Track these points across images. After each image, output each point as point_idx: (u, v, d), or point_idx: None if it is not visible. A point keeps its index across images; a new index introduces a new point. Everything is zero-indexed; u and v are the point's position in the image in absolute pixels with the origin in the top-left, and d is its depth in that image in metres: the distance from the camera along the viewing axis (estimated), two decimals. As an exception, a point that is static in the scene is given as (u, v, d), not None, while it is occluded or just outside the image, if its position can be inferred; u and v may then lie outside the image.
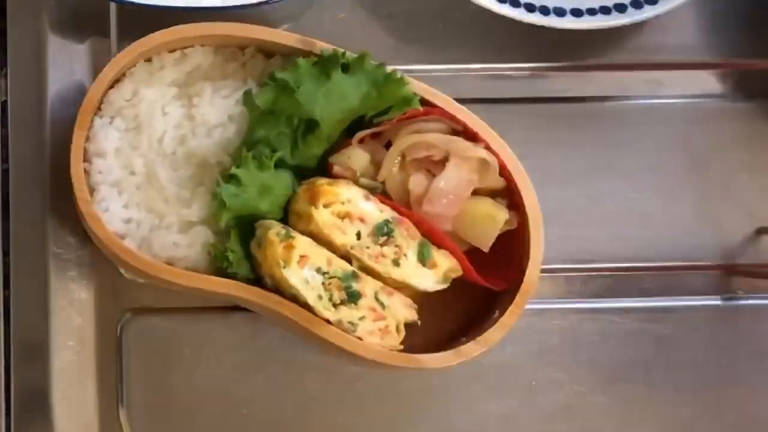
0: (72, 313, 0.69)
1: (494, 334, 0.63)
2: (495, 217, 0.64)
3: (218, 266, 0.63)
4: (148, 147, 0.65)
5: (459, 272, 0.64)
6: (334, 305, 0.61)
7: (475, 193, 0.65)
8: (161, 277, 0.63)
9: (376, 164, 0.65)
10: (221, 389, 0.70)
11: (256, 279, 0.63)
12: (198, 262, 0.64)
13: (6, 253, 0.69)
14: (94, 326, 0.70)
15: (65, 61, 0.71)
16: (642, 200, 0.73)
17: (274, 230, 0.61)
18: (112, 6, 0.71)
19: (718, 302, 0.73)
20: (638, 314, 0.72)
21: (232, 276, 0.63)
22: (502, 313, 0.64)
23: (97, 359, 0.70)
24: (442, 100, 0.65)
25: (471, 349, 0.63)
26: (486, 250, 0.64)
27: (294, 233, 0.61)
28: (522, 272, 0.65)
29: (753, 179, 0.74)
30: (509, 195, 0.66)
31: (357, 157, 0.64)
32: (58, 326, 0.69)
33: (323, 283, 0.61)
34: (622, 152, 0.74)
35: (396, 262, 0.63)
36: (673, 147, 0.74)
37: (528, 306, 0.71)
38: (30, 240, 0.69)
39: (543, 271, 0.70)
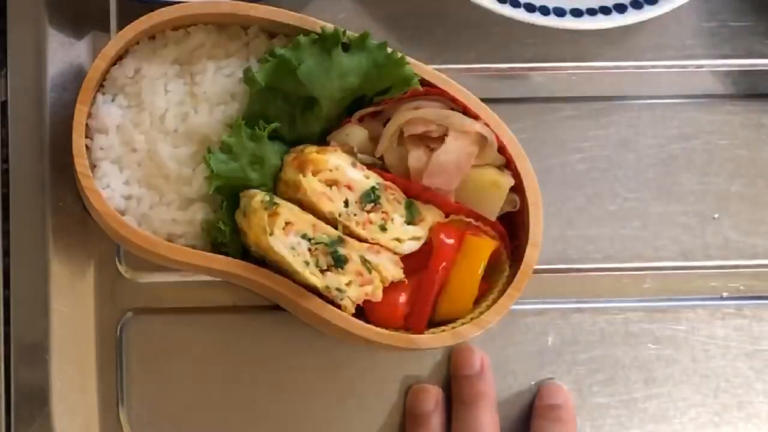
0: (72, 313, 0.69)
1: (491, 315, 0.63)
2: (500, 184, 0.65)
3: (212, 241, 0.64)
4: (149, 124, 0.66)
5: (443, 218, 0.64)
6: (321, 271, 0.61)
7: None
8: (160, 253, 0.63)
9: (375, 141, 0.65)
10: (221, 389, 0.70)
11: (246, 253, 0.64)
12: (197, 239, 0.64)
13: (6, 253, 0.69)
14: (94, 326, 0.70)
15: (65, 61, 0.71)
16: (642, 200, 0.73)
17: (258, 198, 0.61)
18: (113, 4, 0.71)
19: (718, 302, 0.73)
20: (638, 314, 0.72)
21: (226, 252, 0.63)
22: (500, 295, 0.64)
23: (97, 359, 0.70)
24: (443, 81, 0.66)
25: (468, 330, 0.63)
26: (493, 218, 0.64)
27: (278, 200, 0.62)
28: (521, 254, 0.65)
29: (753, 179, 0.74)
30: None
31: (355, 134, 0.65)
32: (58, 326, 0.69)
33: (309, 249, 0.61)
34: (622, 152, 0.74)
35: (383, 228, 0.63)
36: (673, 147, 0.74)
37: (528, 306, 0.71)
38: (30, 240, 0.69)
39: (543, 271, 0.70)
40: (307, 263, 0.61)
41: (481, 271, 0.64)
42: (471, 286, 0.64)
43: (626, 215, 0.73)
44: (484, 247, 0.64)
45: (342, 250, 0.62)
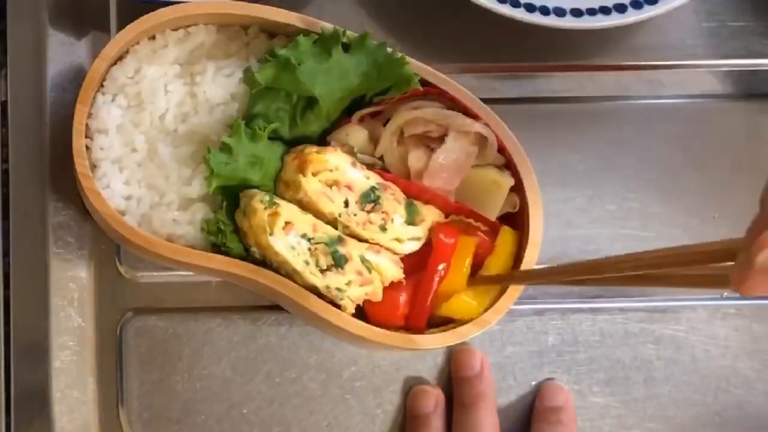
0: (72, 313, 0.69)
1: (491, 315, 0.63)
2: (500, 183, 0.65)
3: (212, 241, 0.64)
4: (149, 124, 0.66)
5: (443, 219, 0.64)
6: (321, 271, 0.61)
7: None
8: (160, 253, 0.63)
9: (375, 142, 0.65)
10: (221, 389, 0.70)
11: (247, 253, 0.63)
12: (197, 239, 0.64)
13: (6, 253, 0.69)
14: (94, 326, 0.70)
15: (65, 61, 0.71)
16: (642, 200, 0.73)
17: (258, 197, 0.61)
18: (113, 4, 0.71)
19: (718, 302, 0.73)
20: (638, 314, 0.72)
21: (226, 252, 0.63)
22: (500, 295, 0.64)
23: (97, 359, 0.70)
24: (443, 81, 0.66)
25: (467, 330, 0.63)
26: (493, 218, 0.64)
27: (278, 200, 0.62)
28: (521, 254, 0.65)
29: (753, 179, 0.74)
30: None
31: (355, 134, 0.65)
32: (58, 326, 0.69)
33: (309, 249, 0.61)
34: (622, 152, 0.74)
35: (383, 228, 0.63)
36: (673, 147, 0.74)
37: (528, 306, 0.71)
38: (30, 240, 0.69)
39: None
40: (306, 263, 0.61)
41: (466, 268, 0.64)
42: (460, 283, 0.64)
43: (626, 215, 0.73)
44: (470, 244, 0.64)
45: (342, 250, 0.62)
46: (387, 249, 0.63)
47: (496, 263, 0.64)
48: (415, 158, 0.65)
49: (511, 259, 0.65)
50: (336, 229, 0.62)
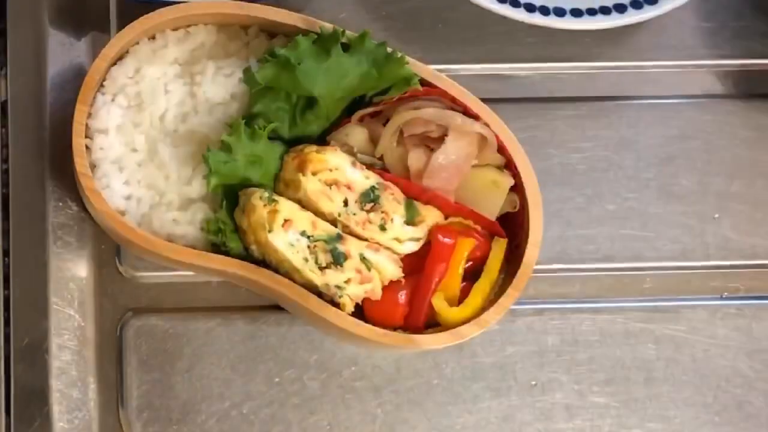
0: (72, 312, 0.69)
1: (491, 315, 0.63)
2: (500, 184, 0.65)
3: (212, 241, 0.64)
4: (149, 124, 0.66)
5: (442, 220, 0.64)
6: (320, 268, 0.61)
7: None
8: (160, 253, 0.63)
9: (375, 142, 0.65)
10: (221, 389, 0.70)
11: (247, 252, 0.64)
12: (197, 239, 0.64)
13: (6, 253, 0.69)
14: (94, 326, 0.70)
15: (65, 61, 0.71)
16: (642, 200, 0.73)
17: (258, 194, 0.61)
18: (113, 5, 0.71)
19: (718, 302, 0.73)
20: (638, 314, 0.72)
21: (226, 252, 0.63)
22: (500, 294, 0.64)
23: (97, 359, 0.70)
24: (443, 81, 0.66)
25: (468, 330, 0.63)
26: (493, 218, 0.65)
27: (277, 197, 0.62)
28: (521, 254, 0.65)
29: (753, 179, 0.74)
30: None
31: (355, 134, 0.65)
32: (58, 326, 0.69)
33: (308, 246, 0.61)
34: (622, 152, 0.74)
35: (382, 228, 0.63)
36: (673, 147, 0.74)
37: (528, 306, 0.71)
38: (30, 240, 0.69)
39: (543, 271, 0.70)
40: (306, 260, 0.61)
41: (461, 269, 0.64)
42: (454, 284, 0.64)
43: (626, 215, 0.73)
44: (468, 246, 0.64)
45: (341, 248, 0.62)
46: (386, 248, 0.63)
47: (488, 275, 0.64)
48: (415, 158, 0.65)
49: (503, 265, 0.65)
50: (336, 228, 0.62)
